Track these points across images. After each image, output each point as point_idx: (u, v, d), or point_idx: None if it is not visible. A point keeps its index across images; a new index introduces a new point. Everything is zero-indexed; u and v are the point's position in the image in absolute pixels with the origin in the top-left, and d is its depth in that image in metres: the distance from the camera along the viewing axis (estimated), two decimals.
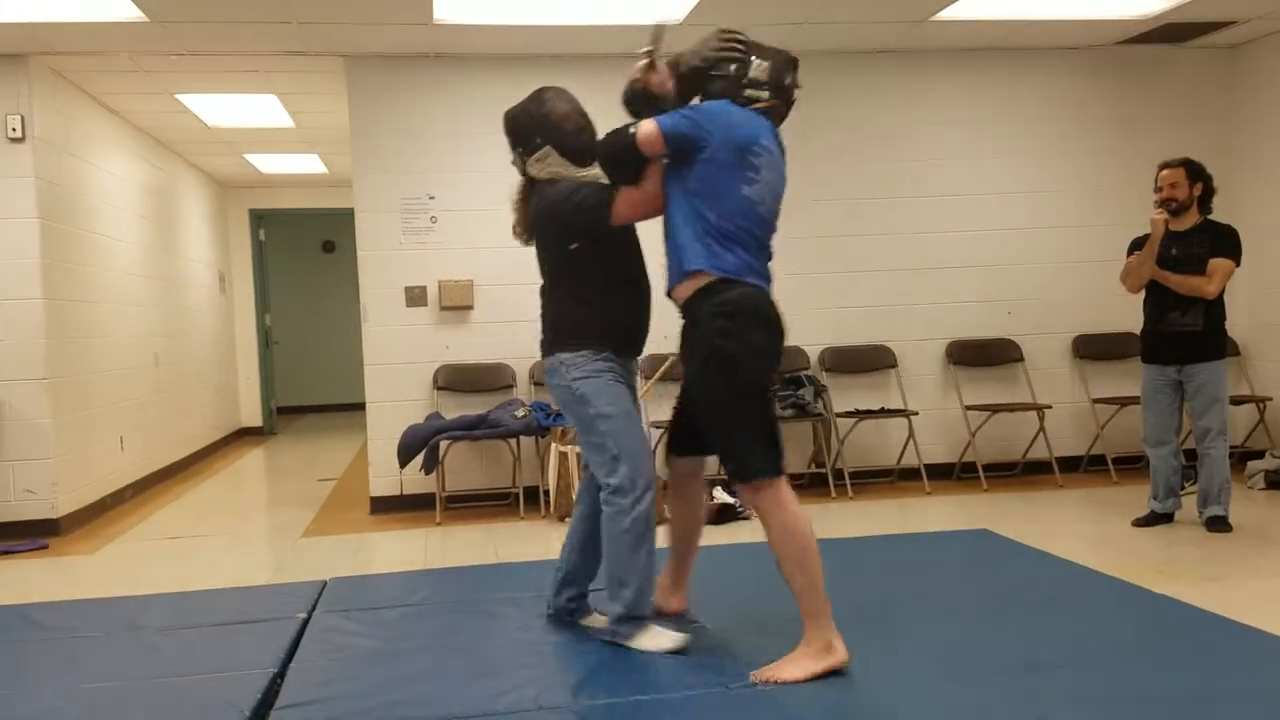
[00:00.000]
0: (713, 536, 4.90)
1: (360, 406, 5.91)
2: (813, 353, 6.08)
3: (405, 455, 5.45)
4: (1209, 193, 4.60)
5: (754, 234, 2.90)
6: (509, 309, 5.85)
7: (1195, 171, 4.58)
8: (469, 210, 5.80)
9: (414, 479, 5.64)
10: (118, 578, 4.63)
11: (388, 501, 5.78)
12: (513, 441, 5.65)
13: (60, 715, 2.68)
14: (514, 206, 3.35)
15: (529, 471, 5.74)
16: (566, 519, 5.25)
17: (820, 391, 5.87)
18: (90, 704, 2.77)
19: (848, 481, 5.83)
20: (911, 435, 5.94)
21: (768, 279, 2.99)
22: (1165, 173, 4.61)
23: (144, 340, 7.15)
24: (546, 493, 5.52)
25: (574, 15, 5.15)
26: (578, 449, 5.21)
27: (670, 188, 2.90)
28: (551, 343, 3.10)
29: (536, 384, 5.85)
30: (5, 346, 5.35)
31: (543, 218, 3.17)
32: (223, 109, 6.83)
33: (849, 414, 5.95)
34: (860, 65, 6.06)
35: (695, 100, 2.99)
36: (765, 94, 2.92)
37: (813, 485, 6.00)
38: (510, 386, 5.84)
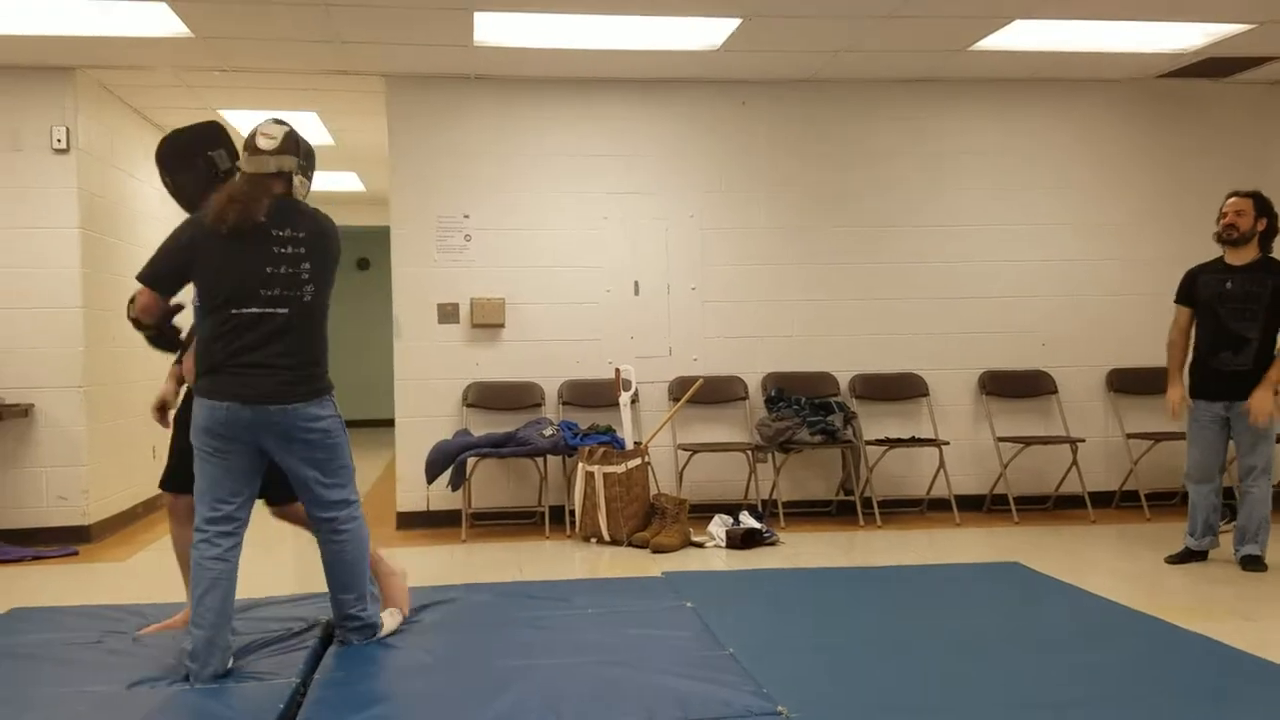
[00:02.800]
0: (743, 561, 4.88)
1: (389, 422, 5.95)
2: (843, 379, 6.05)
3: (433, 471, 5.47)
4: (1272, 231, 4.54)
5: None
6: (539, 328, 5.88)
7: (1263, 205, 4.53)
8: (502, 229, 5.85)
9: (441, 495, 5.65)
10: (148, 585, 4.66)
11: (414, 517, 5.80)
12: (540, 460, 5.66)
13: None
14: (240, 196, 2.98)
15: (555, 491, 5.74)
16: (591, 539, 5.27)
17: (850, 418, 5.84)
18: (119, 709, 2.78)
19: (876, 510, 5.78)
20: (942, 465, 5.89)
21: None
22: (1232, 200, 4.56)
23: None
24: (572, 512, 5.51)
25: (613, 40, 5.19)
26: (606, 469, 5.22)
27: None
28: (317, 379, 3.05)
29: (565, 403, 5.86)
30: (43, 354, 5.43)
31: (334, 247, 3.10)
32: None
33: (879, 442, 5.90)
34: (895, 94, 6.06)
35: None
36: None
37: (841, 513, 5.95)
38: (539, 405, 5.85)
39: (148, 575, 4.89)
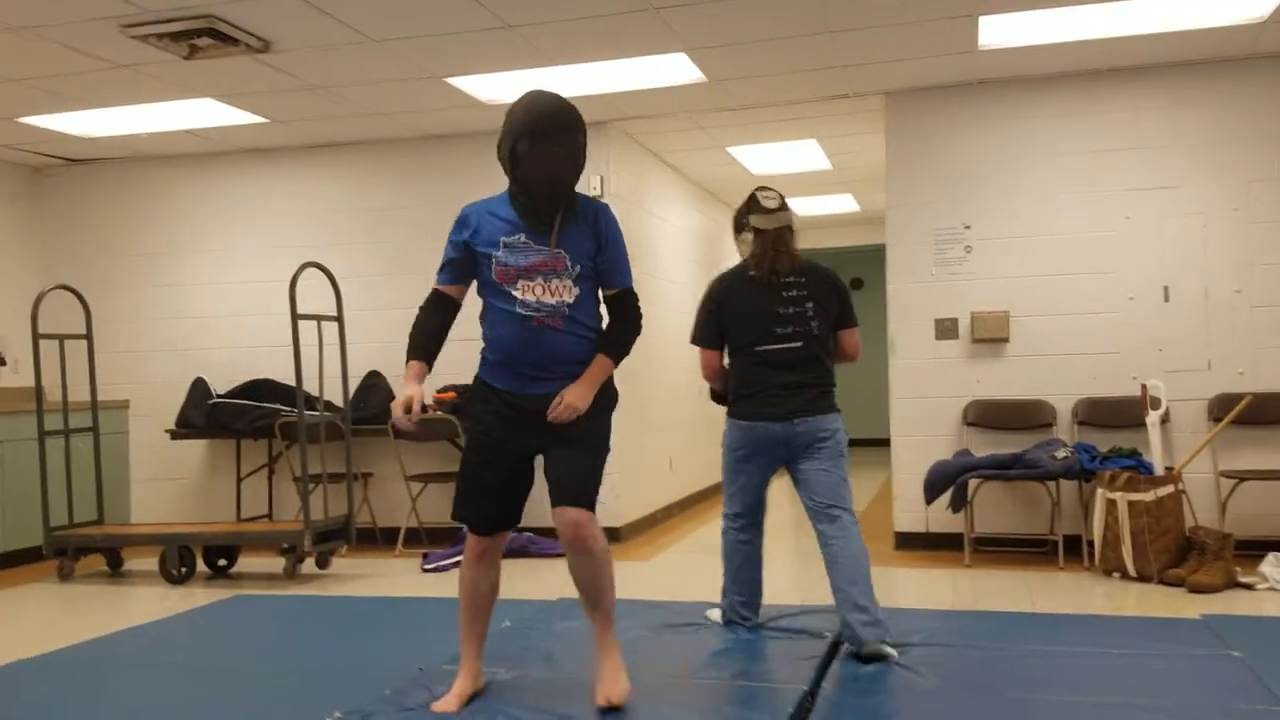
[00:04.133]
0: None
1: (884, 442, 5.91)
2: None
3: (932, 492, 5.33)
4: None
5: None
6: (1047, 342, 5.49)
7: None
8: (1005, 238, 5.56)
9: (941, 516, 5.49)
10: (668, 583, 5.10)
11: (913, 538, 5.69)
12: (1051, 484, 5.26)
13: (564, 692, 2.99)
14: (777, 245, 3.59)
15: (1070, 519, 5.30)
16: (1114, 573, 4.77)
17: None
18: (649, 694, 3.05)
19: None
20: None
21: None
22: None
23: (689, 373, 7.84)
24: (1090, 543, 5.04)
25: (1131, 25, 4.71)
26: (1131, 496, 4.71)
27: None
28: (827, 399, 3.56)
29: (1080, 423, 5.39)
30: None
31: (836, 286, 3.63)
32: (767, 157, 7.33)
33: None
34: None
35: None
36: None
37: None
38: (1049, 425, 5.45)
39: (668, 574, 5.34)
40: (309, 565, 5.49)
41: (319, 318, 5.40)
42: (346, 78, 5.22)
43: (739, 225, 3.67)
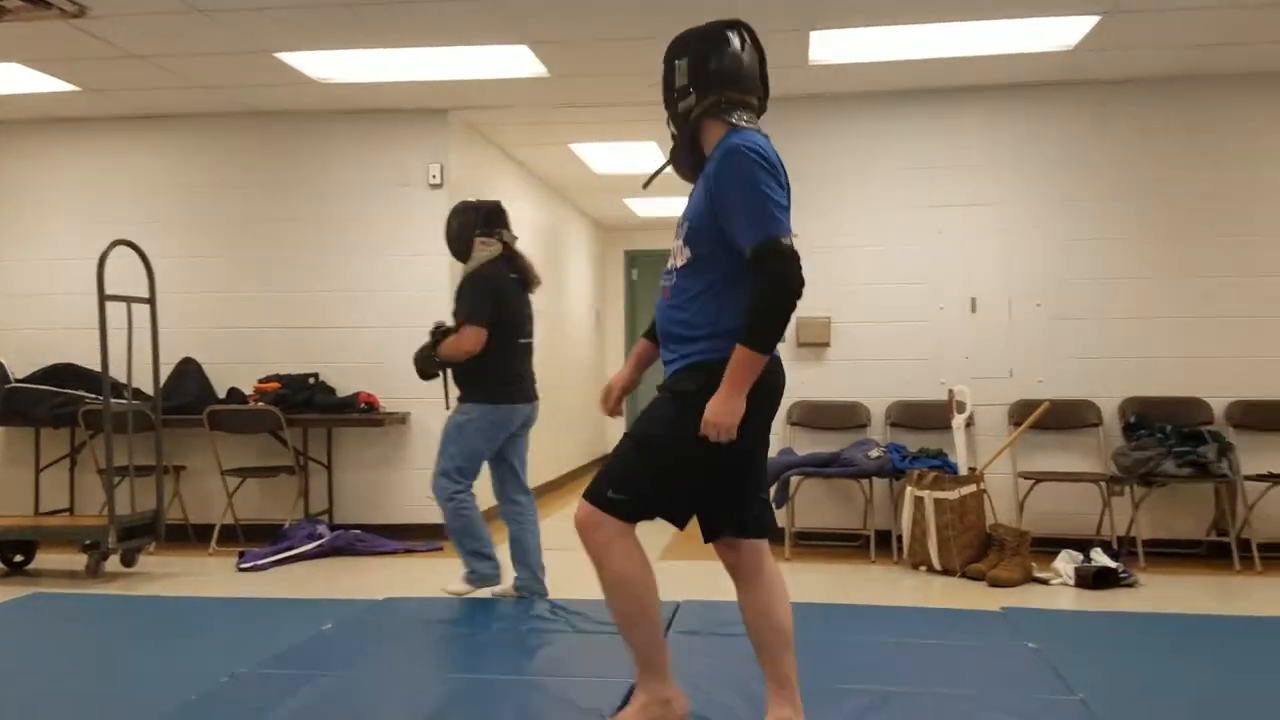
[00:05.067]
0: (1094, 601, 4.48)
1: None
2: (1217, 406, 5.39)
3: None
4: None
5: None
6: (865, 347, 5.76)
7: None
8: (830, 248, 5.79)
9: None
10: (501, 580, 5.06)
11: None
12: (865, 482, 5.52)
13: (445, 701, 2.95)
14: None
15: (881, 515, 5.58)
16: (921, 567, 5.05)
17: (1226, 450, 5.17)
18: (471, 694, 3.03)
19: (1255, 554, 5.08)
20: None
21: None
22: None
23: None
24: (899, 538, 5.32)
25: (953, 48, 5.00)
26: (937, 494, 5.00)
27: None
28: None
29: (893, 424, 5.69)
30: None
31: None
32: (609, 156, 7.37)
33: (1261, 477, 5.19)
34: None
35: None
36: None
37: (1212, 555, 5.30)
38: (864, 426, 5.72)
39: (502, 572, 5.29)
40: (114, 563, 5.16)
41: (129, 299, 5.08)
42: (169, 48, 4.93)
43: (487, 229, 4.28)
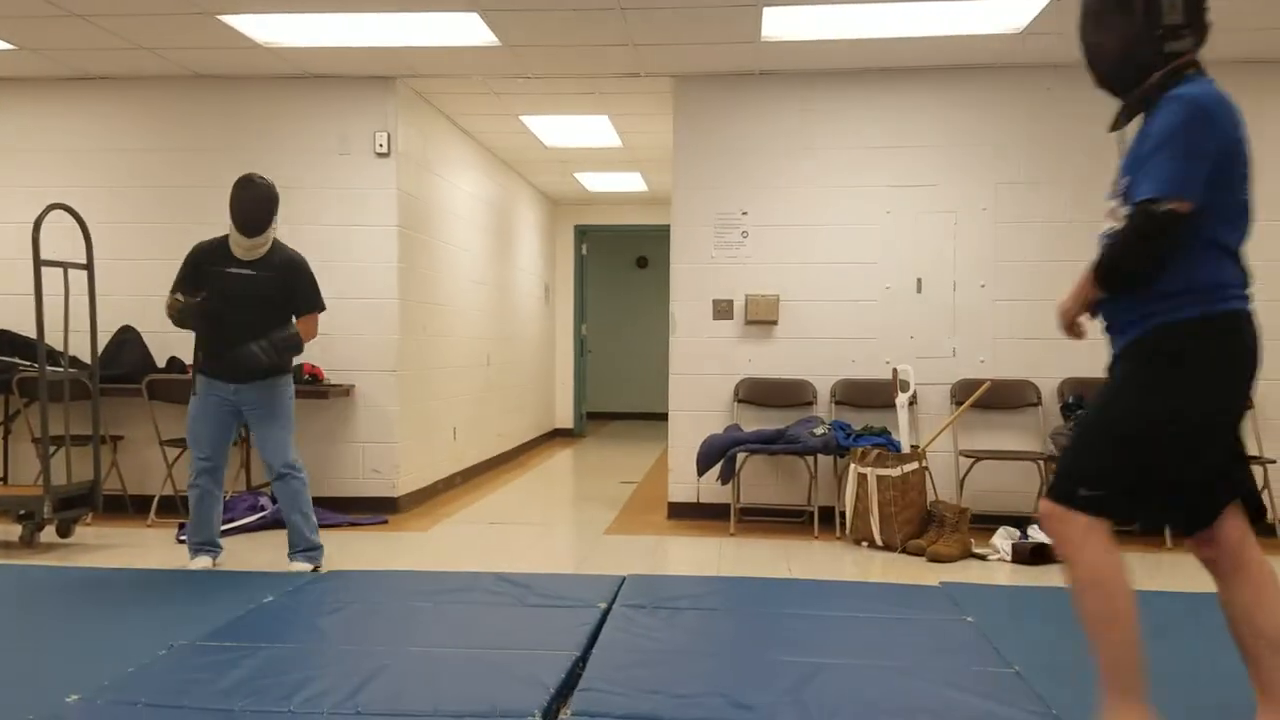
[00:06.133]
0: (1030, 576, 4.59)
1: (663, 416, 6.09)
2: None
3: (703, 464, 5.55)
4: None
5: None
6: (813, 325, 5.81)
7: None
8: (779, 226, 5.83)
9: (711, 488, 5.72)
10: (446, 554, 5.06)
11: (685, 508, 5.91)
12: (810, 459, 5.59)
13: (388, 673, 2.94)
14: None
15: (825, 491, 5.65)
16: (863, 543, 5.14)
17: None
18: (414, 666, 3.03)
19: None
20: (1266, 486, 5.23)
21: None
22: None
23: (478, 342, 7.79)
24: (842, 514, 5.40)
25: (905, 28, 5.04)
26: (879, 471, 5.08)
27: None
28: None
29: (837, 402, 5.76)
30: (365, 340, 6.01)
31: None
32: (559, 130, 7.32)
33: None
34: (1220, 76, 5.45)
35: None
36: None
37: (1145, 533, 5.44)
38: (810, 404, 5.79)
39: (446, 545, 5.29)
40: (49, 534, 5.06)
41: (66, 265, 4.95)
42: (108, 7, 4.78)
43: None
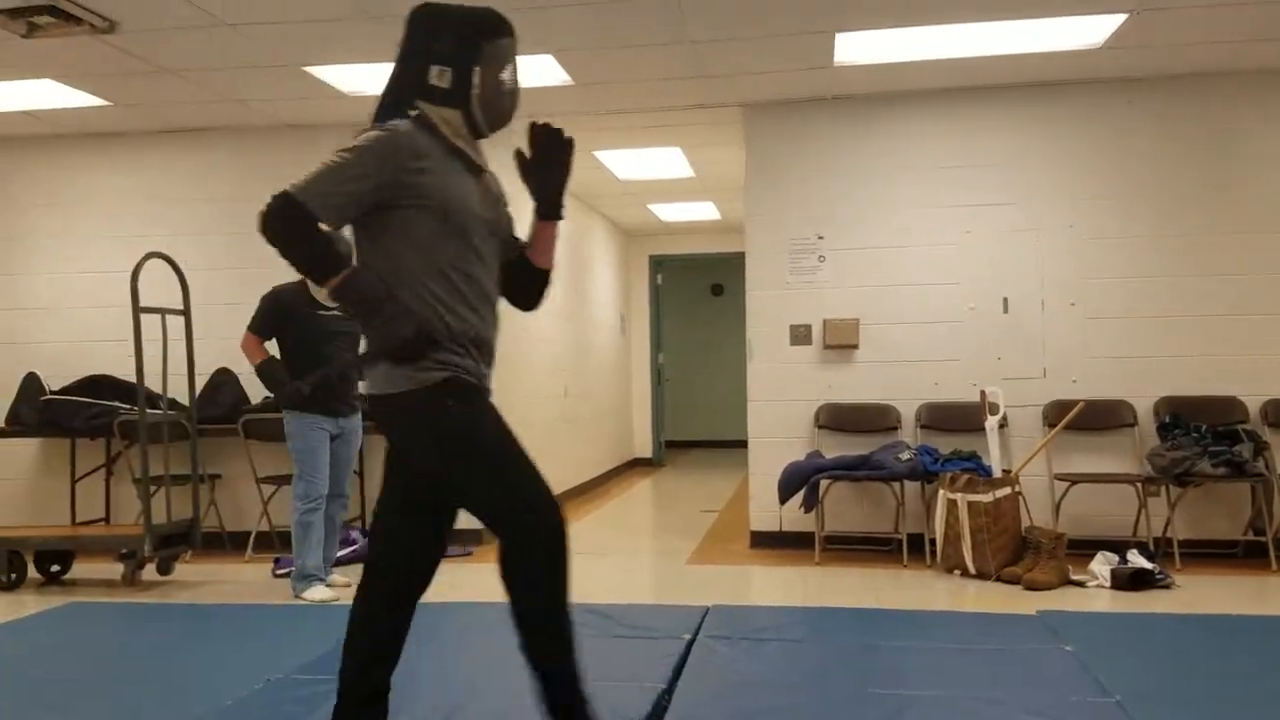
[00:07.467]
0: (1130, 603, 4.42)
1: (743, 443, 6.05)
2: (1253, 405, 5.32)
3: (785, 492, 5.49)
4: None
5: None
6: (894, 349, 5.73)
7: None
8: (856, 249, 5.77)
9: (794, 516, 5.65)
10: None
11: (767, 536, 5.85)
12: (896, 485, 5.49)
13: (474, 707, 2.95)
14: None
15: (913, 518, 5.54)
16: (955, 571, 5.01)
17: (1261, 449, 5.10)
18: (499, 700, 3.04)
19: None
20: None
21: None
22: None
23: (556, 373, 7.86)
24: (932, 541, 5.28)
25: (978, 47, 4.97)
26: (970, 497, 4.96)
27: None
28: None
29: (923, 426, 5.65)
30: None
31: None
32: (632, 163, 7.39)
33: None
34: None
35: None
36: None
37: (1249, 555, 5.22)
38: (894, 428, 5.69)
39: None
40: (150, 572, 5.23)
41: (164, 311, 5.14)
42: (197, 62, 4.99)
43: None
